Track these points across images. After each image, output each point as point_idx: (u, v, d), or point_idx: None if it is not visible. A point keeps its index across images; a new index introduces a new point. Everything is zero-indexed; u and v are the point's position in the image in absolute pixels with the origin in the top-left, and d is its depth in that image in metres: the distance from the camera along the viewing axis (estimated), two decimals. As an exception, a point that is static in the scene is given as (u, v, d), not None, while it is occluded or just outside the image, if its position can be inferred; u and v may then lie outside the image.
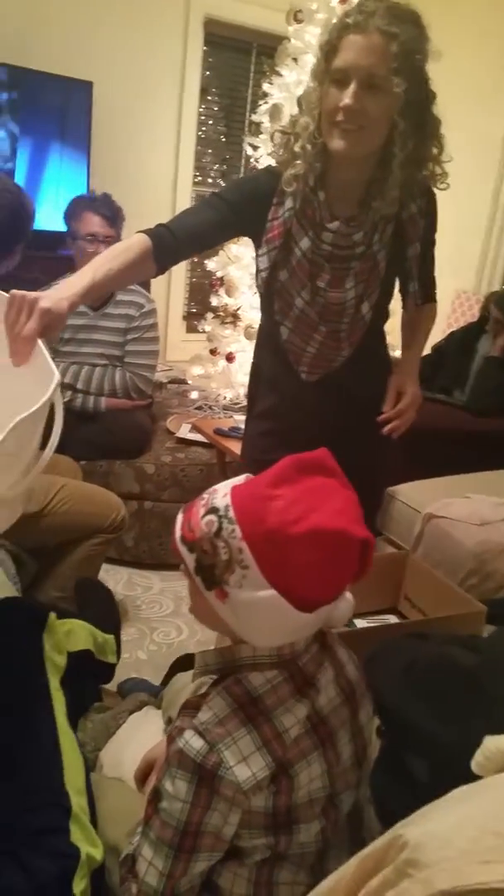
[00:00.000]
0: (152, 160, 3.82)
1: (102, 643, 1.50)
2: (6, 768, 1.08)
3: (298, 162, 1.35)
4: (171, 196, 3.95)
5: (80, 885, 0.99)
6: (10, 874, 0.95)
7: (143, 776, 1.14)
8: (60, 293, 1.15)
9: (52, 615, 1.33)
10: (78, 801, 1.08)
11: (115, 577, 2.48)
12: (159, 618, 2.34)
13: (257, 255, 1.47)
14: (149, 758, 1.15)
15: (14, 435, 0.90)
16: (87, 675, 1.47)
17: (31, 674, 1.23)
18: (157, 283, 3.67)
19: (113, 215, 2.40)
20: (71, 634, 1.38)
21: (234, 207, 1.40)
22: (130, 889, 0.88)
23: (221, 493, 0.89)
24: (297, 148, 1.35)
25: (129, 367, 2.51)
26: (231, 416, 2.75)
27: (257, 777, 0.83)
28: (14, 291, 1.09)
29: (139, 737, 1.31)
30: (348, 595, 0.91)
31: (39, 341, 1.09)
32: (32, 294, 1.10)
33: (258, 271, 1.48)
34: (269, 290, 1.48)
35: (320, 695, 0.91)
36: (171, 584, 2.51)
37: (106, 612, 1.79)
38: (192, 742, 0.84)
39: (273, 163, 1.44)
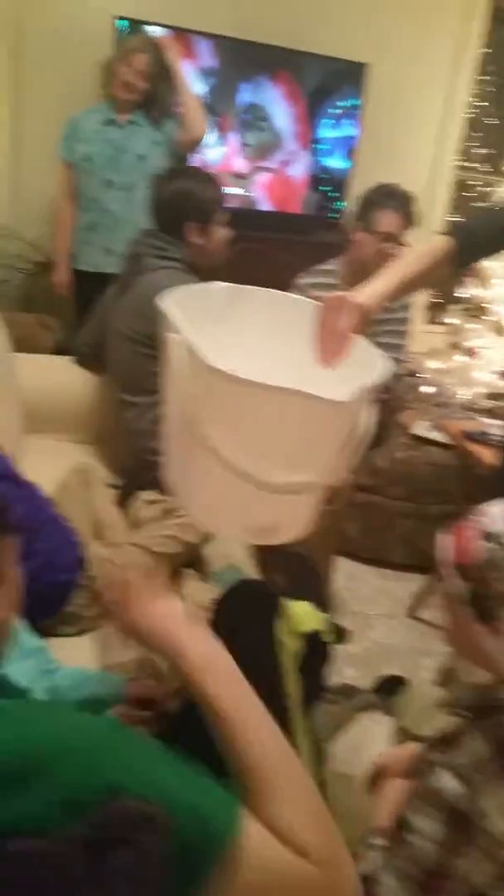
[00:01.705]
0: (413, 142, 3.71)
1: (324, 622, 1.50)
2: None
3: None
4: (428, 179, 3.81)
5: None
6: None
7: (373, 780, 1.12)
8: (372, 290, 1.14)
9: (284, 598, 1.35)
10: None
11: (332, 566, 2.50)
12: (374, 615, 2.32)
13: None
14: (380, 763, 1.13)
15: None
16: (317, 656, 1.47)
17: (266, 658, 1.25)
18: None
19: (410, 215, 2.31)
20: (299, 616, 1.38)
21: None
22: None
23: (498, 516, 0.83)
24: None
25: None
26: (474, 418, 2.62)
27: None
28: (326, 295, 1.09)
29: (368, 737, 1.30)
30: None
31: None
32: (343, 293, 1.09)
33: None
34: None
35: None
36: (388, 584, 2.47)
37: (315, 589, 1.79)
38: (450, 785, 0.80)
39: None
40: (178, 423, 1.01)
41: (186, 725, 1.15)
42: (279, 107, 3.25)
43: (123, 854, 0.52)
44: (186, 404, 0.94)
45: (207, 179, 1.95)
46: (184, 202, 1.89)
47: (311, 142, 3.35)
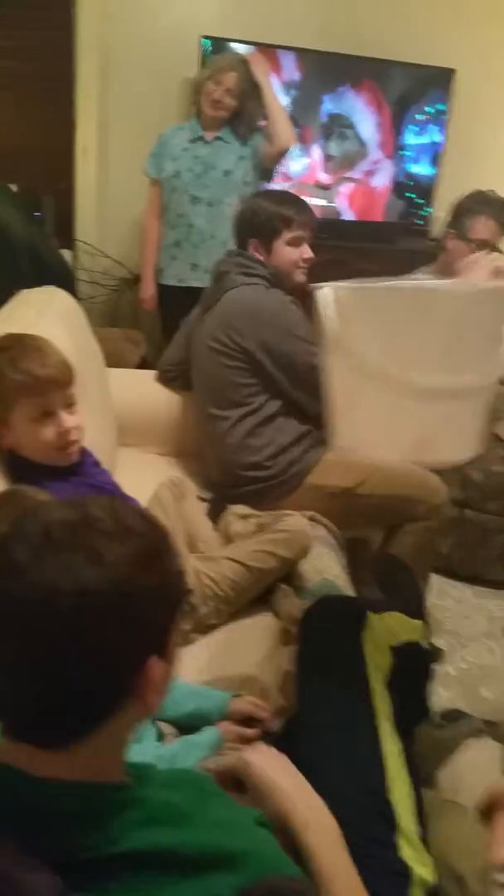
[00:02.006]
0: (501, 147, 3.61)
1: (416, 628, 1.43)
2: (332, 768, 1.07)
3: None
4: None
5: None
6: None
7: (486, 810, 1.06)
8: None
9: (370, 612, 1.30)
10: (404, 816, 1.04)
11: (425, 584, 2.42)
12: (470, 635, 2.23)
13: None
14: (493, 791, 1.07)
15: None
16: (415, 671, 1.41)
17: (353, 675, 1.20)
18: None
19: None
20: (389, 630, 1.33)
21: None
22: None
23: None
24: None
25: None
26: None
27: None
28: None
29: (479, 764, 1.24)
30: None
31: None
32: None
33: None
34: None
35: None
36: (485, 602, 2.37)
37: (411, 598, 1.73)
38: None
39: None
40: (338, 369, 1.08)
41: (287, 746, 1.13)
42: (363, 116, 3.23)
43: None
44: (342, 343, 1.04)
45: (283, 200, 1.95)
46: (249, 220, 1.93)
47: (395, 149, 3.31)
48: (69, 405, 1.34)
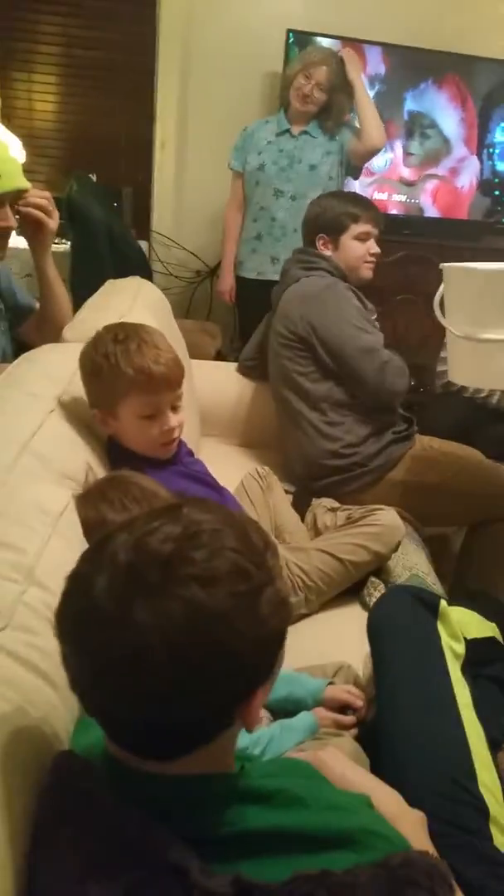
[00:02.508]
0: None
1: (493, 630, 1.40)
2: (417, 756, 1.04)
3: None
4: None
5: None
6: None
7: None
8: None
9: (443, 602, 1.27)
10: (495, 806, 1.01)
11: None
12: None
13: None
14: None
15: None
16: (495, 664, 1.38)
17: (431, 661, 1.17)
18: None
19: None
20: (462, 622, 1.30)
21: None
22: None
23: None
24: None
25: None
26: None
27: None
28: None
29: None
30: None
31: None
32: None
33: None
34: None
35: None
36: None
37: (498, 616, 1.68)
38: None
39: None
40: (461, 331, 1.52)
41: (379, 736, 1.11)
42: (446, 112, 3.18)
43: (416, 894, 0.58)
44: (466, 310, 1.52)
45: (350, 198, 2.03)
46: (317, 216, 1.98)
47: (481, 146, 3.24)
48: (176, 405, 1.33)
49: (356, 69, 2.70)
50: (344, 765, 0.88)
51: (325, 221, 1.96)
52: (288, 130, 2.72)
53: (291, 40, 2.98)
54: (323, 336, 1.85)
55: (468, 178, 3.28)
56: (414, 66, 3.11)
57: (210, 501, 0.67)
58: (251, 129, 2.78)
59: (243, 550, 0.61)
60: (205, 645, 0.57)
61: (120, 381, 1.25)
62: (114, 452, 1.36)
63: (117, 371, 1.25)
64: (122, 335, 1.28)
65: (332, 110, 2.66)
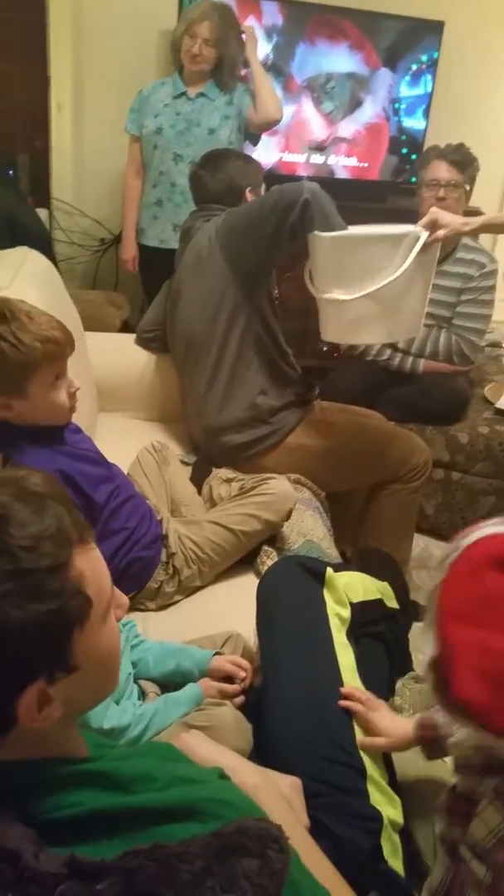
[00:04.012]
0: (497, 101, 3.54)
1: (381, 590, 1.44)
2: (297, 721, 1.07)
3: None
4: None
5: (385, 847, 0.96)
6: (318, 841, 0.94)
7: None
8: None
9: (329, 569, 1.30)
10: (372, 765, 1.05)
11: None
12: (454, 594, 2.24)
13: None
14: None
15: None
16: (379, 624, 1.41)
17: (315, 629, 1.20)
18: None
19: (462, 161, 2.25)
20: (349, 586, 1.34)
21: None
22: None
23: None
24: None
25: (457, 330, 2.37)
26: None
27: None
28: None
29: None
30: None
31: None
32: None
33: None
34: None
35: None
36: (468, 562, 2.39)
37: (388, 575, 1.73)
38: (478, 872, 0.71)
39: None
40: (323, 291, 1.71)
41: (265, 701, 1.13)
42: (349, 68, 3.13)
43: (248, 862, 0.58)
44: (320, 272, 1.72)
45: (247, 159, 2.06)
46: (235, 179, 1.95)
47: (389, 102, 3.22)
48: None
49: (253, 48, 2.66)
50: (205, 746, 0.88)
51: (244, 179, 1.95)
52: (184, 93, 2.64)
53: (184, -2, 2.89)
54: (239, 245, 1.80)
55: (376, 137, 3.26)
56: (315, 22, 3.05)
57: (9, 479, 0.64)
58: (147, 92, 2.70)
59: (17, 535, 0.59)
60: None
61: (29, 358, 1.20)
62: (18, 435, 1.27)
63: (23, 348, 1.20)
64: (7, 313, 1.22)
65: (225, 63, 2.59)
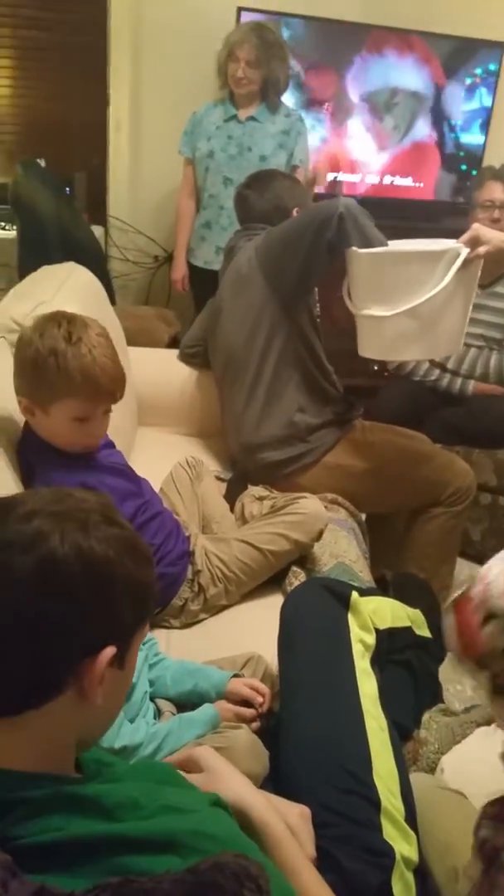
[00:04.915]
0: None
1: (413, 617, 1.38)
2: (312, 748, 1.03)
3: None
4: None
5: (397, 886, 0.91)
6: (324, 874, 0.90)
7: None
8: None
9: (355, 593, 1.25)
10: (388, 798, 1.00)
11: (456, 569, 2.35)
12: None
13: None
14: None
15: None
16: (406, 652, 1.36)
17: (336, 654, 1.15)
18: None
19: None
20: (377, 612, 1.29)
21: None
22: None
23: (499, 587, 0.67)
24: None
25: (509, 352, 2.31)
26: None
27: None
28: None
29: (487, 755, 1.18)
30: None
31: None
32: None
33: None
34: None
35: None
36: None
37: (422, 602, 1.67)
38: None
39: None
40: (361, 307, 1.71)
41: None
42: (412, 81, 3.11)
43: None
44: (359, 289, 1.71)
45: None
46: (281, 198, 1.95)
47: (443, 119, 3.19)
48: (108, 410, 1.29)
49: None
50: (215, 763, 0.86)
51: (292, 199, 1.95)
52: (235, 116, 2.67)
53: (242, 19, 2.92)
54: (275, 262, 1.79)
55: (433, 154, 3.22)
56: (373, 42, 3.04)
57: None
58: (200, 114, 2.73)
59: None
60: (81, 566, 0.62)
61: (63, 383, 1.19)
62: (28, 441, 1.31)
63: (64, 373, 1.19)
64: (74, 336, 1.20)
65: (270, 81, 2.60)
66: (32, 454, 1.29)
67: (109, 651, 0.63)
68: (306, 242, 1.68)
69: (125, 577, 0.64)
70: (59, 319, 1.24)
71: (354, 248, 1.64)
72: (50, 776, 0.64)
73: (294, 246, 1.71)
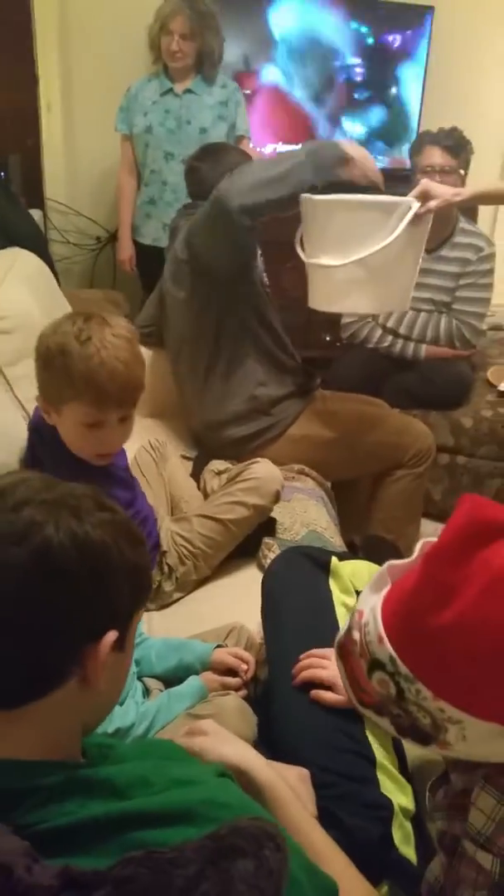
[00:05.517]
0: (488, 87, 3.49)
1: None
2: (305, 710, 1.05)
3: None
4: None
5: (397, 834, 0.95)
6: (327, 831, 0.92)
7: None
8: None
9: (335, 558, 1.28)
10: (381, 751, 1.03)
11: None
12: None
13: None
14: None
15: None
16: None
17: (321, 618, 1.18)
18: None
19: (456, 145, 2.22)
20: (355, 574, 1.32)
21: None
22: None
23: (374, 632, 0.68)
24: None
25: (457, 315, 2.34)
26: None
27: None
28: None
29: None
30: None
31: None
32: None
33: None
34: None
35: None
36: (478, 547, 2.36)
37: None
38: (484, 862, 0.69)
39: None
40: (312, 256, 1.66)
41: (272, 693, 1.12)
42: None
43: (243, 863, 0.57)
44: (312, 238, 1.65)
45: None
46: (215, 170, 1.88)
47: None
48: (125, 418, 1.22)
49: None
50: (217, 728, 0.88)
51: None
52: (171, 89, 2.62)
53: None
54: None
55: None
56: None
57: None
58: (135, 90, 2.68)
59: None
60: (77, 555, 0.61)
61: (66, 384, 1.15)
62: (54, 441, 1.24)
63: (68, 373, 1.13)
64: (84, 335, 1.14)
65: (206, 53, 2.56)
66: (57, 460, 1.24)
67: (111, 636, 0.63)
68: (208, 229, 1.69)
69: (122, 561, 0.64)
70: (77, 316, 1.19)
71: (308, 195, 1.59)
72: (60, 763, 0.64)
73: (204, 238, 1.72)
